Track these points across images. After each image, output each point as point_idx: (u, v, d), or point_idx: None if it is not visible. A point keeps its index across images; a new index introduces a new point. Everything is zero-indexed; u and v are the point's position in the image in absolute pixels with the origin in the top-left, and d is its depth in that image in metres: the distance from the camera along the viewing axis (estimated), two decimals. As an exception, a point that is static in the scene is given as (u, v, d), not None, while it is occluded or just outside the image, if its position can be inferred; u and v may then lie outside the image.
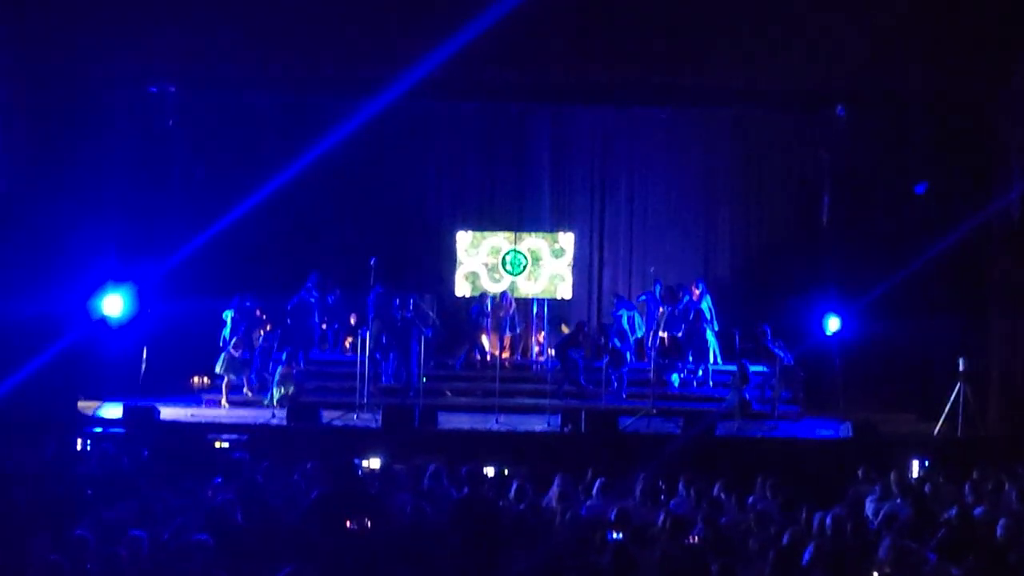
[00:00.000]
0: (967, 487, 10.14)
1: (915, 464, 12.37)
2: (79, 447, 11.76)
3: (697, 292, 16.99)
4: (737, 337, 16.33)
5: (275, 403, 15.19)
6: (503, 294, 17.75)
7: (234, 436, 12.90)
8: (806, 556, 7.06)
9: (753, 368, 15.80)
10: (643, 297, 17.85)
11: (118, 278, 15.10)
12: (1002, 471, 10.85)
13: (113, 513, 8.37)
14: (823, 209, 17.51)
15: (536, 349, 18.16)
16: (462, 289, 18.42)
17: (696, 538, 7.89)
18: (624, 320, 17.13)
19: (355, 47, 14.97)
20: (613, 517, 8.26)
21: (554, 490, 9.82)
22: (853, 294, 16.02)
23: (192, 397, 16.17)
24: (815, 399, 15.85)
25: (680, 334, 16.72)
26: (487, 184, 19.25)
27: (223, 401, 15.69)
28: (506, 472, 11.02)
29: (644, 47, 14.86)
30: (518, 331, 17.92)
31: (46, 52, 14.53)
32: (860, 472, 11.02)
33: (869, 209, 16.99)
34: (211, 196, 16.86)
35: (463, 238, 18.44)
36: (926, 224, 16.01)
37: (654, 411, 15.23)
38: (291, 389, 15.39)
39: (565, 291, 18.37)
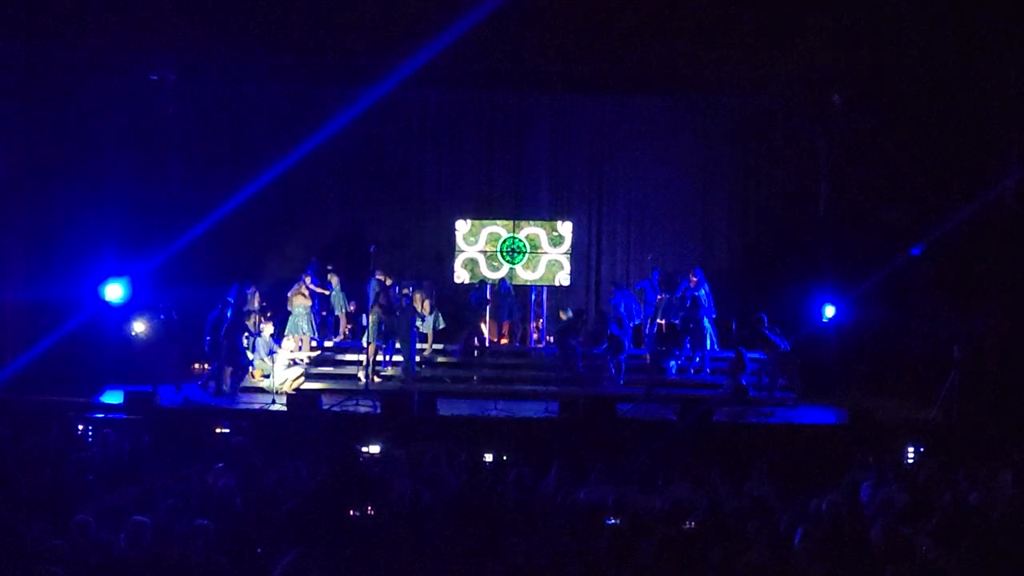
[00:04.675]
0: (962, 473, 10.18)
1: (910, 450, 12.46)
2: (80, 432, 11.78)
3: (694, 280, 17.02)
4: (734, 324, 16.39)
5: (276, 390, 15.22)
6: (502, 281, 17.79)
7: (234, 422, 12.94)
8: (796, 540, 7.11)
9: (750, 355, 15.85)
10: (641, 285, 17.92)
11: (118, 266, 15.13)
12: (996, 457, 10.91)
13: (114, 498, 8.41)
14: (820, 197, 17.56)
15: (535, 336, 18.24)
16: (461, 277, 18.46)
17: (693, 524, 7.93)
18: (622, 307, 17.20)
19: (354, 35, 14.97)
20: (611, 503, 8.29)
21: (552, 476, 9.86)
22: (849, 282, 16.08)
23: (192, 383, 16.19)
24: (811, 386, 15.90)
25: (677, 321, 16.79)
26: (486, 172, 19.28)
27: (224, 386, 15.72)
28: (504, 458, 11.06)
29: (643, 38, 14.88)
30: (517, 318, 17.98)
31: (46, 40, 14.53)
32: (856, 458, 11.07)
33: (865, 198, 17.01)
34: (210, 184, 16.88)
35: (462, 226, 18.45)
36: (922, 212, 16.05)
37: (650, 395, 15.29)
38: (300, 380, 15.42)
39: (563, 279, 18.42)
